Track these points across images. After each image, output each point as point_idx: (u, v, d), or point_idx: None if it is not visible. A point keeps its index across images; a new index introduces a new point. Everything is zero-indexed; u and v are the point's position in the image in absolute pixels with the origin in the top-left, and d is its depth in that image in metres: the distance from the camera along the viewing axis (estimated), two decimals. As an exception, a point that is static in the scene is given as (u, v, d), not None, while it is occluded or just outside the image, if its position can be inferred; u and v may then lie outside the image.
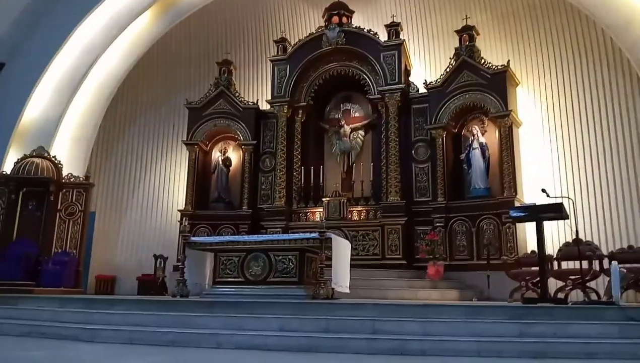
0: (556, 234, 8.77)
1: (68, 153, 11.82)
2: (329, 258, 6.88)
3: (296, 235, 7.09)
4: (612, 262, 5.48)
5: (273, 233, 10.90)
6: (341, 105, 12.27)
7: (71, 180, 11.14)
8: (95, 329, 5.20)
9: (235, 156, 12.44)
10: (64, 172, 11.14)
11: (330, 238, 6.71)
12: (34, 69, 11.31)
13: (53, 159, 11.11)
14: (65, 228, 10.97)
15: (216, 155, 12.51)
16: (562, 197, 5.74)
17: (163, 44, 12.87)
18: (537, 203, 5.57)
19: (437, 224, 10.20)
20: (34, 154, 11.01)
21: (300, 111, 11.90)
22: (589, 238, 8.67)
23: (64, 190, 11.05)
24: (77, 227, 11.05)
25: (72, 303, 6.40)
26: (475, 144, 10.43)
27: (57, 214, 10.92)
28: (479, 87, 10.33)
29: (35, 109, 11.47)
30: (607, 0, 9.40)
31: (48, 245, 10.70)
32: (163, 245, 12.25)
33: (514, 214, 6.16)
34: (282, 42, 12.08)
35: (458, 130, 10.96)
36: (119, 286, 12.60)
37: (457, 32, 10.94)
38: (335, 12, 11.69)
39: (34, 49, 11.37)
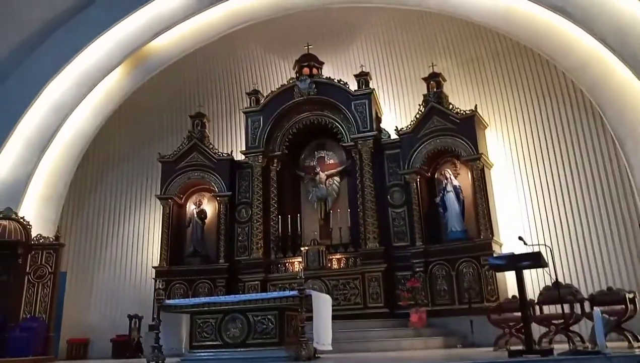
0: (535, 277, 8.80)
1: (37, 213, 11.48)
2: (310, 310, 6.69)
3: (274, 294, 6.89)
4: (595, 308, 5.47)
5: (251, 287, 10.73)
6: (315, 152, 12.39)
7: (40, 241, 10.74)
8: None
9: (210, 208, 12.28)
10: (33, 233, 10.76)
11: (310, 296, 6.55)
12: (3, 126, 11.12)
13: (21, 220, 10.75)
14: (34, 291, 10.48)
15: (191, 208, 12.33)
16: (539, 244, 5.77)
17: (135, 97, 12.80)
18: (515, 253, 5.57)
19: (417, 269, 10.17)
20: (1, 215, 10.64)
21: (275, 160, 11.92)
22: (567, 279, 8.72)
23: (33, 252, 10.61)
24: (46, 290, 10.56)
25: (39, 379, 6.03)
26: (449, 187, 10.55)
27: (26, 277, 10.46)
28: (449, 132, 10.54)
29: (3, 168, 11.22)
30: (565, 45, 9.81)
31: (15, 311, 10.17)
32: (138, 304, 11.85)
33: (493, 262, 6.16)
34: (254, 93, 12.21)
35: (431, 174, 11.09)
36: (92, 349, 12.06)
37: (425, 79, 11.26)
38: (306, 63, 11.94)
39: (2, 107, 11.18)
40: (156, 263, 11.65)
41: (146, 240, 12.89)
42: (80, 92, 11.67)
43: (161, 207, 12.07)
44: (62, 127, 11.62)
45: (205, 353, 6.76)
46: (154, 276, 11.43)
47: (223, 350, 6.69)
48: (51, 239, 10.88)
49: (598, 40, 9.19)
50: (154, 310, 9.11)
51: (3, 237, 10.34)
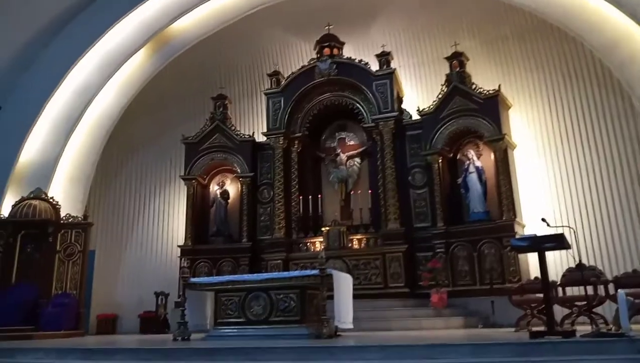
0: (558, 258, 8.71)
1: (66, 193, 11.80)
2: (331, 289, 6.79)
3: (296, 273, 7.05)
4: (619, 290, 5.41)
5: (273, 266, 10.90)
6: (336, 133, 12.38)
7: (69, 220, 11.07)
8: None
9: (233, 189, 12.44)
10: (62, 213, 11.08)
11: (331, 275, 6.65)
12: (30, 110, 11.37)
13: (51, 200, 11.08)
14: (65, 269, 10.84)
15: (214, 189, 12.52)
16: (562, 226, 5.71)
17: (157, 80, 12.92)
18: (537, 234, 5.54)
19: (438, 250, 10.16)
20: (32, 196, 10.97)
21: (296, 141, 11.96)
22: (591, 261, 8.63)
23: (63, 231, 10.96)
24: (76, 268, 10.92)
25: (71, 353, 6.28)
26: (472, 168, 10.45)
27: (56, 256, 10.81)
28: (471, 112, 10.40)
29: (31, 150, 11.50)
30: (594, 22, 9.53)
31: (47, 287, 10.56)
32: (164, 281, 12.14)
33: (516, 244, 6.12)
34: (275, 75, 12.21)
35: (453, 154, 10.99)
36: (120, 324, 12.46)
37: (447, 58, 11.05)
38: (326, 44, 11.86)
39: (29, 91, 11.42)
40: (181, 242, 11.89)
41: (171, 219, 13.16)
42: (104, 75, 11.85)
43: (185, 187, 12.28)
44: (87, 109, 11.85)
45: (229, 330, 6.96)
46: (179, 254, 11.70)
47: (246, 327, 6.88)
48: (80, 219, 11.20)
49: (628, 15, 8.88)
50: (180, 287, 9.38)
51: (34, 216, 10.70)
